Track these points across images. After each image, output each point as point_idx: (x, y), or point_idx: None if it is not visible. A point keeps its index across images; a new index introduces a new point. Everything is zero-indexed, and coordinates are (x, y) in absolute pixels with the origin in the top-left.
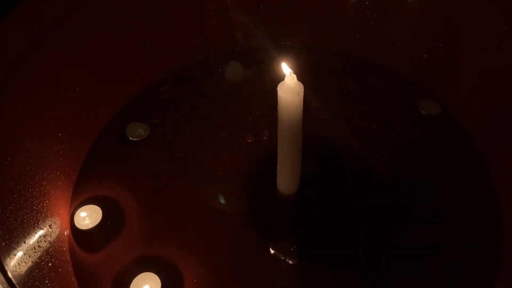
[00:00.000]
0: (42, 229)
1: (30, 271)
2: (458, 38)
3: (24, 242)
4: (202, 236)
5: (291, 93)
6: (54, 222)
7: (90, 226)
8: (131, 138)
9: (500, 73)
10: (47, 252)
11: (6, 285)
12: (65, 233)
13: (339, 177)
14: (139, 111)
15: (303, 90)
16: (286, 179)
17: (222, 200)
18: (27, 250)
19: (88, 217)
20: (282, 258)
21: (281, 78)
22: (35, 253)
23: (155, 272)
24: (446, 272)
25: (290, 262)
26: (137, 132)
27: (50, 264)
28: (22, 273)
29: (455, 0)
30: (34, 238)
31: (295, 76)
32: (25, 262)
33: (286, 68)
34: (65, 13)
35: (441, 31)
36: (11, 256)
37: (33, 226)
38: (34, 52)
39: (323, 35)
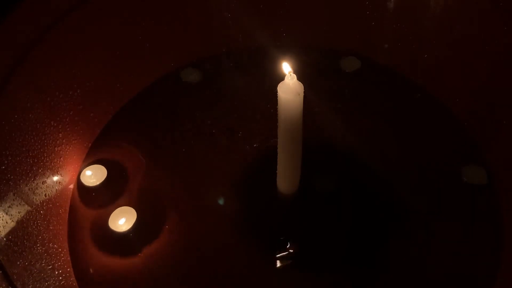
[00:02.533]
0: (49, 180)
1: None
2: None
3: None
4: (201, 236)
5: (291, 93)
6: (62, 178)
7: (94, 183)
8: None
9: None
10: (51, 200)
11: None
12: (70, 187)
13: (339, 177)
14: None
15: (303, 90)
16: (286, 179)
17: (221, 201)
18: (32, 198)
19: (93, 175)
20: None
21: (281, 78)
22: (41, 203)
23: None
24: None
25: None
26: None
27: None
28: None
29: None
30: (41, 187)
31: (295, 76)
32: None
33: (286, 67)
34: (68, 10)
35: (442, 31)
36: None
37: (42, 178)
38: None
39: (323, 35)
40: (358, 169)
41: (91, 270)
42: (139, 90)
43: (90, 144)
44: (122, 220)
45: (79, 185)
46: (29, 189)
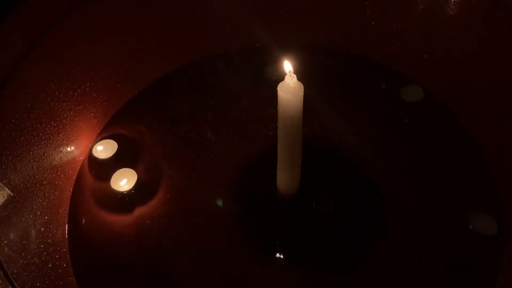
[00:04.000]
0: (62, 151)
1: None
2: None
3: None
4: (200, 236)
5: (291, 93)
6: (75, 148)
7: (103, 157)
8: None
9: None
10: (62, 167)
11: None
12: (81, 158)
13: (340, 177)
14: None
15: (303, 90)
16: (286, 179)
17: (220, 202)
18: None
19: (104, 149)
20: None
21: (281, 77)
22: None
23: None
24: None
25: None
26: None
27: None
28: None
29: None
30: (54, 157)
31: (295, 76)
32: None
33: (287, 66)
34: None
35: (441, 31)
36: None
37: (56, 146)
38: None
39: (323, 35)
40: (358, 168)
41: (88, 225)
42: (138, 90)
43: (105, 122)
44: (124, 181)
45: (90, 157)
46: (42, 156)
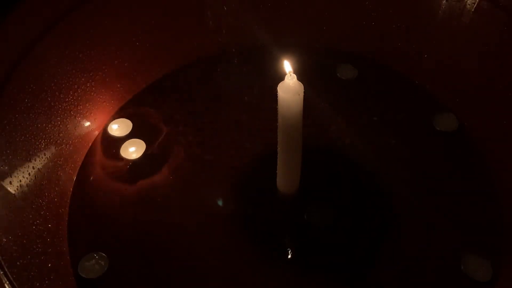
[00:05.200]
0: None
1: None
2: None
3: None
4: (200, 235)
5: (291, 93)
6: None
7: (118, 135)
8: None
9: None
10: (78, 140)
11: None
12: (95, 133)
13: (340, 176)
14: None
15: (303, 90)
16: (286, 179)
17: (220, 202)
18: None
19: (119, 128)
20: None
21: (281, 77)
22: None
23: None
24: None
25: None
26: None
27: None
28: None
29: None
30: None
31: (295, 76)
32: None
33: (287, 66)
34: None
35: (442, 31)
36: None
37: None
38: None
39: (323, 35)
40: (359, 168)
41: (95, 190)
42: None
43: (122, 103)
44: (132, 149)
45: (104, 134)
46: (55, 131)
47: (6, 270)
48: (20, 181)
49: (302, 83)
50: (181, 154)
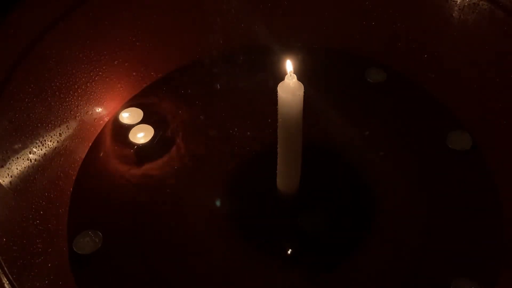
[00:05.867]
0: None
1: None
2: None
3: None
4: (199, 235)
5: (291, 93)
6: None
7: (129, 123)
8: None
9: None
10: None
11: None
12: (106, 119)
13: (340, 176)
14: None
15: (303, 90)
16: (286, 179)
17: (219, 202)
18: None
19: (130, 116)
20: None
21: (281, 77)
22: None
23: None
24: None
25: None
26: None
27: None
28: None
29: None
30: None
31: (295, 76)
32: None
33: (289, 66)
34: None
35: (442, 31)
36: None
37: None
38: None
39: (324, 35)
40: (359, 168)
41: (102, 171)
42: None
43: (135, 93)
44: (141, 134)
45: (115, 122)
46: (69, 116)
47: (6, 270)
48: (21, 178)
49: (302, 83)
50: (182, 151)
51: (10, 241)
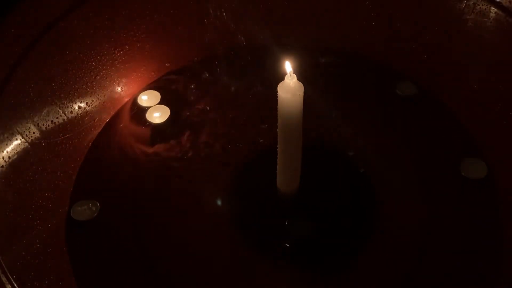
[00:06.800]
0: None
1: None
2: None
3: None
4: (199, 235)
5: (291, 93)
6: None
7: (147, 105)
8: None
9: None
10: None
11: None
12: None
13: (340, 176)
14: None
15: (303, 90)
16: (286, 179)
17: (219, 201)
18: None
19: (148, 99)
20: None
21: (281, 77)
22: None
23: None
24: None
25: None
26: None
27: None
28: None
29: None
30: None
31: (295, 76)
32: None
33: (288, 67)
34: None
35: (443, 31)
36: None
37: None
38: None
39: (324, 35)
40: (359, 168)
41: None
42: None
43: (155, 78)
44: (157, 114)
45: (133, 103)
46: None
47: (6, 270)
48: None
49: (302, 83)
50: (191, 139)
51: (10, 241)
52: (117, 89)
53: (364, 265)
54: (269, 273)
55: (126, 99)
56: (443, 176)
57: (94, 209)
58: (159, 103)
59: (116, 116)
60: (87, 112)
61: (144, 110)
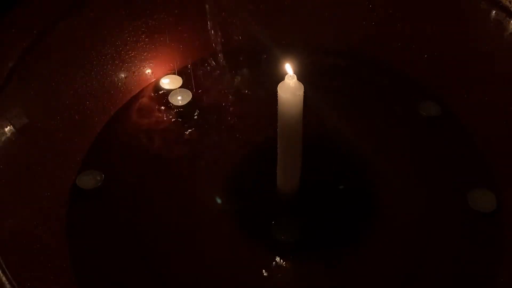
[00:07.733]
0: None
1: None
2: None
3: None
4: (198, 235)
5: (291, 93)
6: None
7: (168, 88)
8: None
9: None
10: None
11: None
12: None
13: (340, 176)
14: None
15: (303, 90)
16: (286, 179)
17: (219, 201)
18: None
19: (170, 82)
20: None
21: (281, 78)
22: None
23: None
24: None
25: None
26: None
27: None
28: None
29: None
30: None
31: (295, 76)
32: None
33: (289, 69)
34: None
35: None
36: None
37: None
38: None
39: (324, 35)
40: (359, 168)
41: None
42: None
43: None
44: (180, 97)
45: (155, 86)
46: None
47: (6, 270)
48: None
49: (303, 83)
50: (203, 129)
51: (10, 241)
52: (146, 70)
53: (364, 265)
54: (268, 272)
55: (148, 82)
56: (445, 185)
57: (98, 178)
58: (180, 87)
59: (135, 98)
60: (115, 84)
61: (164, 93)
